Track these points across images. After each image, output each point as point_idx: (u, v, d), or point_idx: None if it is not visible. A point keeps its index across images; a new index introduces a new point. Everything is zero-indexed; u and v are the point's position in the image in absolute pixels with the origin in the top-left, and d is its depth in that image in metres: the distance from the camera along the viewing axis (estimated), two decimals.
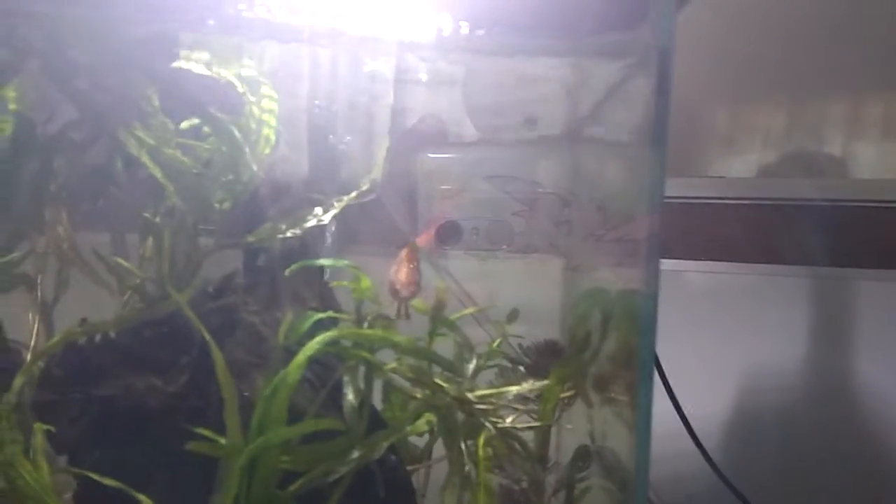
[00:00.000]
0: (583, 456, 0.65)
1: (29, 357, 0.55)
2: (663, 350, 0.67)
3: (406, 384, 0.58)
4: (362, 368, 0.56)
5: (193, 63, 0.54)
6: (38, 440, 0.49)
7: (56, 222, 0.58)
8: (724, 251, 0.95)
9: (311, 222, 0.58)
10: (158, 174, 0.54)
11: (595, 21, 0.56)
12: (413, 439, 0.62)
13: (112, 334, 0.55)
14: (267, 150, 0.59)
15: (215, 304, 0.57)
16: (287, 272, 0.57)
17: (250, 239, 0.58)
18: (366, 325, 0.59)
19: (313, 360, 0.51)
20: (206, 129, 0.56)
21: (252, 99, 0.57)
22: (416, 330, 0.60)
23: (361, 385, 0.55)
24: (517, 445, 0.60)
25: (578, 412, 0.67)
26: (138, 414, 0.53)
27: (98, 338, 0.55)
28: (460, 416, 0.57)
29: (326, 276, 0.64)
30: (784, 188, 0.94)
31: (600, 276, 0.71)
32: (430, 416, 0.57)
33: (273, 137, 0.59)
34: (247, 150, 0.57)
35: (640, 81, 0.55)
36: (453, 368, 0.59)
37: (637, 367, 0.55)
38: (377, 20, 0.61)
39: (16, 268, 0.58)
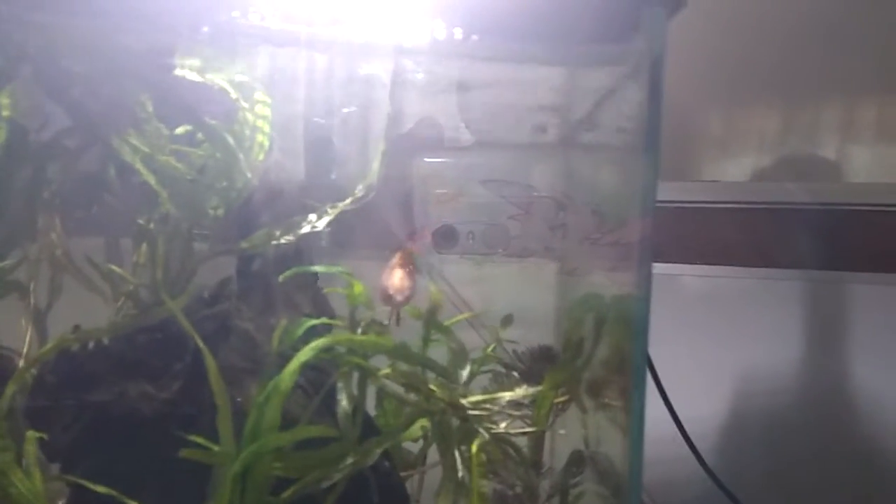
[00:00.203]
0: (577, 461, 0.65)
1: (21, 364, 0.55)
2: (658, 354, 0.68)
3: (400, 390, 0.58)
4: (356, 374, 0.56)
5: (187, 70, 0.54)
6: (31, 448, 0.49)
7: (49, 229, 0.58)
8: (718, 255, 0.95)
9: (306, 228, 0.58)
10: (152, 181, 0.54)
11: (588, 30, 0.57)
12: (407, 445, 0.62)
13: (105, 341, 0.55)
14: (261, 157, 0.59)
15: (209, 311, 0.57)
16: (281, 278, 0.57)
17: (244, 245, 0.58)
18: (359, 330, 0.59)
19: (307, 366, 0.51)
20: (199, 135, 0.56)
21: (245, 105, 0.57)
22: (411, 335, 0.60)
23: (355, 391, 0.55)
24: (511, 451, 0.60)
25: (572, 417, 0.67)
26: (131, 421, 0.53)
27: (91, 345, 0.55)
28: (454, 421, 0.57)
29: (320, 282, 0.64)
30: (778, 192, 0.94)
31: (595, 280, 0.71)
32: (423, 422, 0.57)
33: (267, 143, 0.59)
34: (241, 156, 0.57)
35: (633, 88, 0.56)
36: (447, 374, 0.59)
37: (630, 371, 0.55)
38: (372, 25, 0.61)
39: (9, 275, 0.58)
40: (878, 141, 0.96)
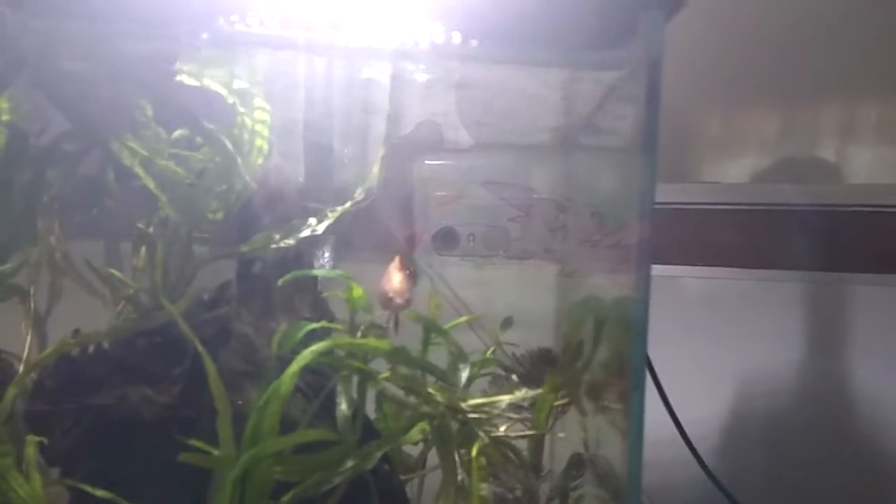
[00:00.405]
0: (577, 464, 0.65)
1: (21, 368, 0.55)
2: (658, 355, 0.67)
3: (399, 393, 0.58)
4: (356, 378, 0.56)
5: (186, 75, 0.54)
6: (31, 452, 0.49)
7: (49, 233, 0.58)
8: (718, 256, 0.95)
9: (306, 232, 0.59)
10: (151, 185, 0.54)
11: (587, 34, 0.57)
12: (407, 448, 0.62)
13: (105, 345, 0.55)
14: (260, 160, 0.59)
15: (209, 315, 0.57)
16: (280, 282, 0.57)
17: (244, 249, 0.58)
18: (359, 334, 0.59)
19: (306, 370, 0.52)
20: (198, 139, 0.56)
21: (243, 109, 0.57)
22: (410, 339, 0.60)
23: (355, 395, 0.55)
24: (511, 454, 0.60)
25: (572, 420, 0.67)
26: (131, 425, 0.53)
27: (91, 349, 0.55)
28: (454, 425, 0.57)
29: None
30: (778, 193, 0.94)
31: (594, 281, 0.71)
32: (423, 425, 0.57)
33: (266, 147, 0.59)
34: (239, 160, 0.57)
35: (631, 90, 0.56)
36: (446, 377, 0.59)
37: (630, 373, 0.55)
38: (371, 29, 0.61)
39: (9, 279, 0.58)
40: (878, 142, 0.96)
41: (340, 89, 0.67)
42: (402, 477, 0.61)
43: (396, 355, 0.56)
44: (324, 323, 0.58)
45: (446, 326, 0.64)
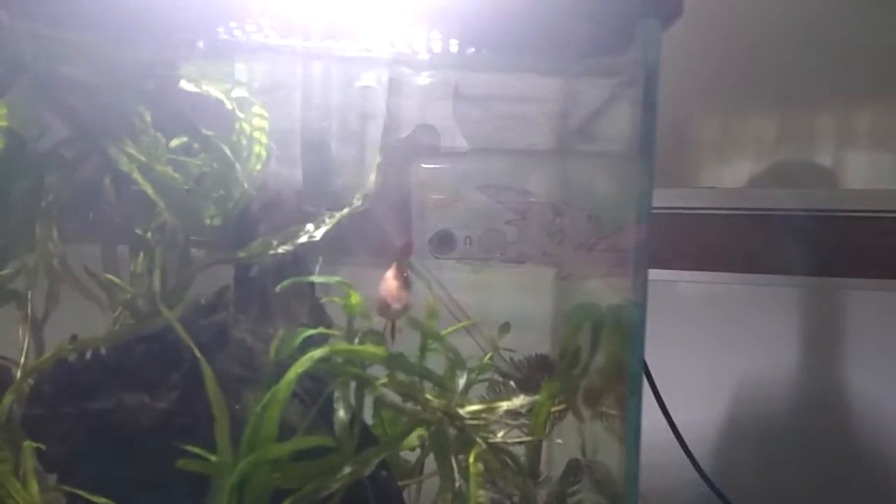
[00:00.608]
0: (574, 470, 0.65)
1: (19, 374, 0.55)
2: (654, 360, 0.68)
3: (397, 399, 0.58)
4: (353, 384, 0.56)
5: (185, 81, 0.54)
6: (28, 458, 0.49)
7: (46, 238, 0.58)
8: (714, 261, 0.96)
9: (303, 238, 0.59)
10: (149, 190, 0.54)
11: (584, 42, 0.57)
12: (404, 454, 0.62)
13: (103, 351, 0.55)
14: (258, 166, 0.59)
15: (206, 320, 0.57)
16: (278, 288, 0.57)
17: (242, 254, 0.58)
18: (356, 340, 0.59)
19: (304, 376, 0.52)
20: (196, 145, 0.56)
21: (242, 115, 0.57)
22: (408, 345, 0.60)
23: (352, 401, 0.55)
24: (508, 460, 0.60)
25: (570, 426, 0.68)
26: (129, 431, 0.53)
27: (88, 354, 0.55)
28: (451, 431, 0.57)
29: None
30: (774, 198, 0.95)
31: (591, 286, 0.71)
32: (421, 431, 0.58)
33: (264, 153, 0.59)
34: (237, 166, 0.57)
35: (629, 96, 0.56)
36: (444, 383, 0.59)
37: (627, 377, 0.55)
38: (370, 37, 0.61)
39: (6, 284, 0.58)
40: (874, 147, 0.96)
41: (338, 95, 0.67)
42: (400, 483, 0.61)
43: (394, 361, 0.56)
44: (321, 329, 0.58)
45: (444, 332, 0.64)
